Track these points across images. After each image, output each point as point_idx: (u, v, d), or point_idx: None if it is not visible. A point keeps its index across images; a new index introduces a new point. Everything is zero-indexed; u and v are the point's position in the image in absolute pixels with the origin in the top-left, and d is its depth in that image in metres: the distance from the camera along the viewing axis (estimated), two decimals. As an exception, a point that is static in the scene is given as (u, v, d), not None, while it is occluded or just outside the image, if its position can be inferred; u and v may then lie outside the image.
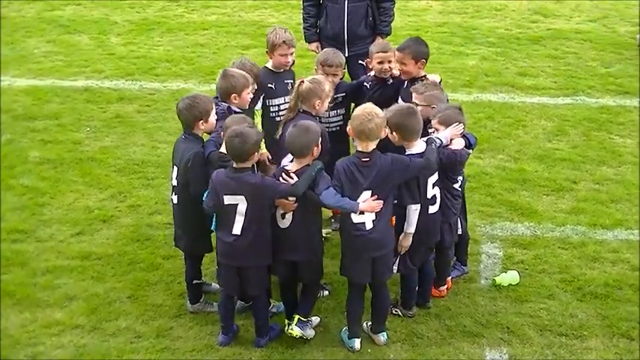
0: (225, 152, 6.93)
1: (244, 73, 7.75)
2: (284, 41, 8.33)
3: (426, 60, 8.19)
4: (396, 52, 8.19)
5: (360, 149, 6.91)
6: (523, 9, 16.67)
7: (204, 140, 7.34)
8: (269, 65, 8.47)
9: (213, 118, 7.31)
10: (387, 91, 8.31)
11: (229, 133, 6.87)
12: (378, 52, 8.39)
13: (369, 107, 6.99)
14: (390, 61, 8.31)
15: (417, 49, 8.14)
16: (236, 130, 6.84)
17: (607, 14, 16.47)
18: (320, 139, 6.97)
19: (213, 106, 7.36)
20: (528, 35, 15.22)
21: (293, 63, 8.62)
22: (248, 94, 7.70)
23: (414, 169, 6.94)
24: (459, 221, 7.82)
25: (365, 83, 8.52)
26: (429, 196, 7.18)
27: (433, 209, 7.26)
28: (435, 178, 7.20)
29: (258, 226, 6.89)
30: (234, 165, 6.86)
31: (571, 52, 14.38)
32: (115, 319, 7.57)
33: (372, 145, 6.85)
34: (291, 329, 7.20)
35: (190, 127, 7.29)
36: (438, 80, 8.16)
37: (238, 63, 8.10)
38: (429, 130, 7.47)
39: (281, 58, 8.38)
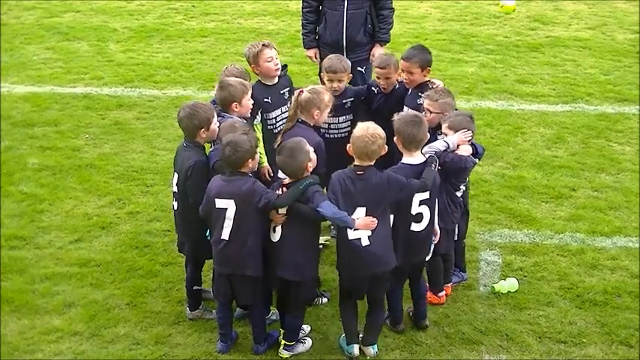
0: None
1: (241, 80, 7.69)
2: (264, 45, 8.18)
3: (430, 67, 8.26)
4: (402, 61, 8.22)
5: (357, 163, 6.91)
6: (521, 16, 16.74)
7: (207, 150, 7.32)
8: (261, 79, 8.30)
9: (214, 126, 7.27)
10: (393, 97, 8.39)
11: (222, 141, 6.88)
12: (376, 67, 8.47)
13: (371, 128, 6.91)
14: (387, 78, 8.36)
15: (424, 58, 8.20)
16: (228, 138, 6.84)
17: (605, 22, 16.50)
18: (309, 154, 6.93)
19: (215, 114, 7.31)
20: (527, 42, 15.24)
21: (285, 68, 8.44)
22: (248, 101, 7.66)
23: (410, 191, 6.90)
24: (457, 227, 7.82)
25: (372, 87, 8.56)
26: (412, 212, 7.06)
27: (417, 227, 7.11)
28: (423, 196, 7.04)
29: (246, 234, 6.85)
30: (230, 171, 6.89)
31: (570, 59, 14.40)
32: (114, 326, 7.57)
33: (370, 162, 6.87)
34: (280, 352, 7.23)
35: (192, 135, 7.27)
36: (442, 85, 8.22)
37: (226, 71, 8.06)
38: (438, 136, 7.50)
39: (268, 64, 8.18)
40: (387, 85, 8.41)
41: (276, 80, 8.33)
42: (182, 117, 7.27)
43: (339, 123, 8.36)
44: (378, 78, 8.45)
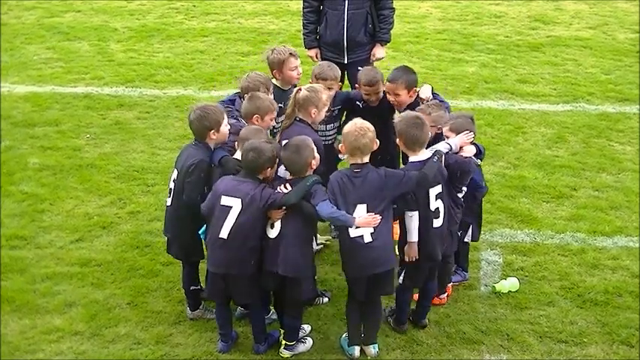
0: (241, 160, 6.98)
1: (271, 98, 7.68)
2: (291, 54, 8.30)
3: (416, 87, 8.24)
4: (388, 83, 8.24)
5: (352, 162, 6.93)
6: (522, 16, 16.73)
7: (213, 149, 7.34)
8: (278, 84, 8.36)
9: (224, 128, 7.29)
10: (379, 109, 8.38)
11: (245, 145, 6.92)
12: (364, 85, 8.42)
13: (359, 122, 6.97)
14: (377, 93, 8.36)
15: (409, 79, 8.20)
16: (252, 144, 6.89)
17: (606, 21, 16.50)
18: (314, 152, 6.96)
19: (225, 117, 7.33)
20: (528, 42, 15.24)
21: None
22: (271, 120, 7.64)
23: (409, 184, 6.88)
24: (471, 227, 7.81)
25: (357, 102, 8.54)
26: (432, 208, 7.05)
27: (437, 223, 7.11)
28: (437, 189, 7.07)
29: (246, 234, 6.85)
30: (245, 172, 6.93)
31: (570, 59, 14.40)
32: (115, 326, 7.57)
33: (365, 158, 6.89)
34: (281, 352, 7.23)
35: (202, 137, 7.29)
36: (430, 91, 8.20)
37: (248, 78, 8.02)
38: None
39: (292, 72, 8.34)
40: (376, 99, 8.44)
41: (290, 85, 8.38)
42: (192, 119, 7.29)
43: (326, 130, 8.39)
44: (366, 94, 8.43)
